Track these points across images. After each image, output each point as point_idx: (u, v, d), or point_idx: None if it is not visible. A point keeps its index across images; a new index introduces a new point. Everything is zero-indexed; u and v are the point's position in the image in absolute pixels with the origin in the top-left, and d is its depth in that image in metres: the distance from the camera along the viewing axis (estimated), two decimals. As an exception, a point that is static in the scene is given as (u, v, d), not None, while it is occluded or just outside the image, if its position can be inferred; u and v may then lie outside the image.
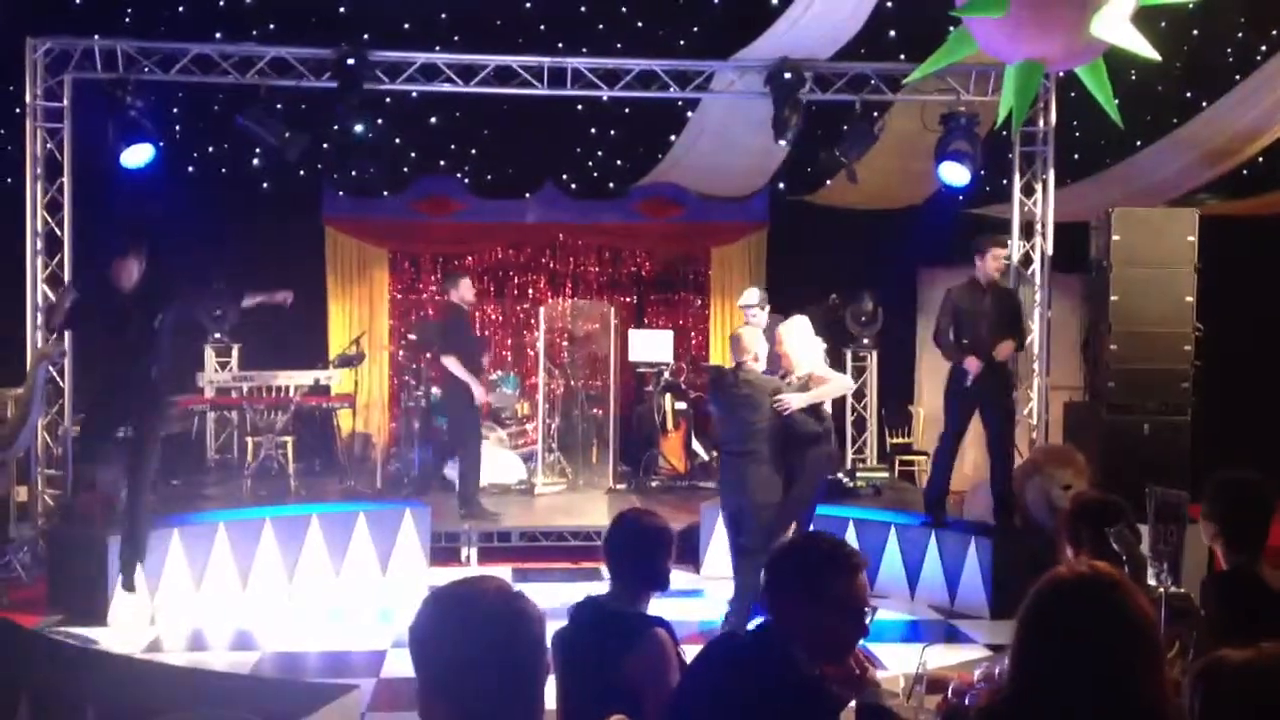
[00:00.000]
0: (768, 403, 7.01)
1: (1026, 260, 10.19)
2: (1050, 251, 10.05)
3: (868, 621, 2.96)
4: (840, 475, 10.64)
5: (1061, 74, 8.32)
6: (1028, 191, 10.17)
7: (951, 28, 4.26)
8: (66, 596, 7.88)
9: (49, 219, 9.37)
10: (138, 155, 9.08)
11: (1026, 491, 8.37)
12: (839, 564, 2.96)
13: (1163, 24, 7.97)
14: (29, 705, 4.85)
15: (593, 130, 11.95)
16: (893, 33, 9.63)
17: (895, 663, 6.96)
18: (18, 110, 9.45)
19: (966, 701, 3.17)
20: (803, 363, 7.31)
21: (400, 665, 7.00)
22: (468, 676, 1.90)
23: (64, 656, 5.96)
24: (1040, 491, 8.25)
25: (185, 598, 8.16)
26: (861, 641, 2.94)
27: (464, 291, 10.08)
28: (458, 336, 9.96)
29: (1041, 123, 9.98)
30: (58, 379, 9.25)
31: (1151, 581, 3.41)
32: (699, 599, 8.61)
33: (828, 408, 7.54)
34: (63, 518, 8.81)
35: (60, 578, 7.99)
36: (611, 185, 13.05)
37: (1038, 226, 10.11)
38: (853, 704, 2.95)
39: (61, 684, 5.27)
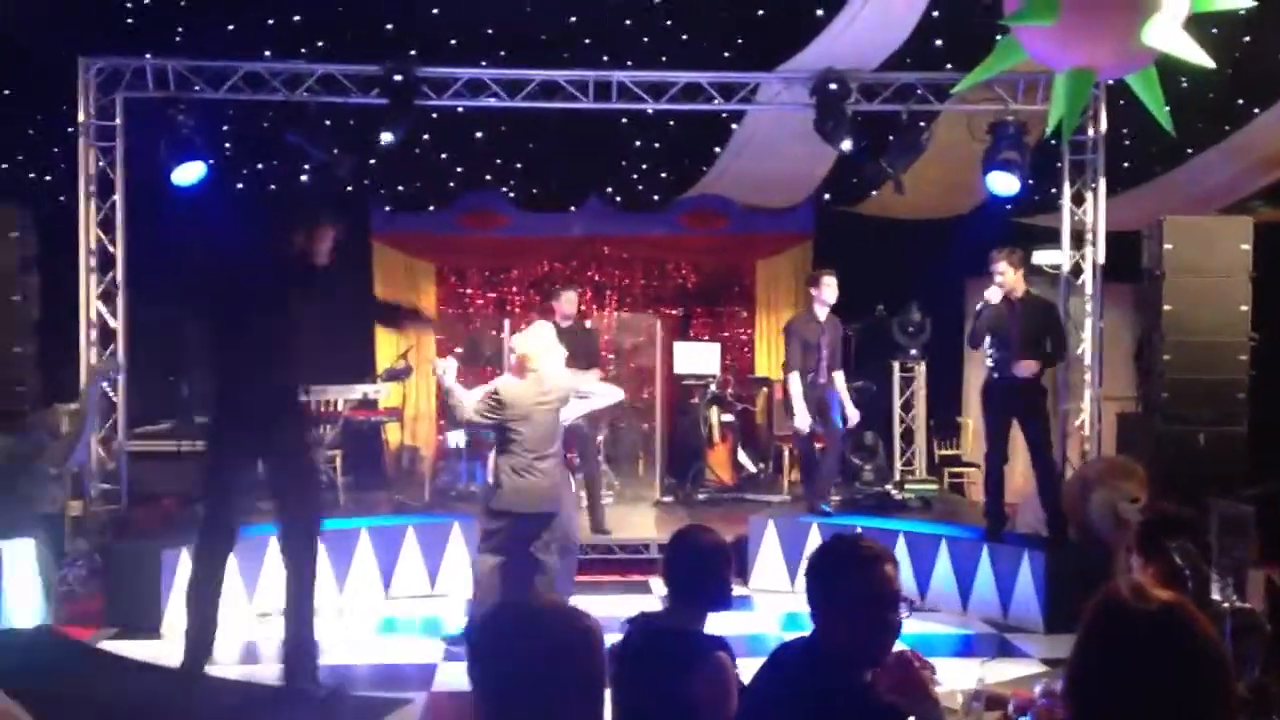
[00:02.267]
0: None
1: (1077, 270, 10.09)
2: (1102, 260, 9.95)
3: (903, 615, 2.94)
4: (889, 488, 10.59)
5: (1112, 81, 8.24)
6: (1078, 200, 10.07)
7: (999, 36, 4.23)
8: (122, 610, 7.94)
9: (102, 236, 9.49)
10: (189, 173, 9.20)
11: (1090, 504, 8.27)
12: (862, 557, 2.95)
13: (1214, 30, 7.87)
14: (86, 719, 4.92)
15: (637, 143, 11.96)
16: (939, 42, 9.56)
17: (949, 678, 6.89)
18: (71, 129, 9.59)
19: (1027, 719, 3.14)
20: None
21: (451, 678, 7.00)
22: (526, 690, 1.90)
23: (120, 670, 6.01)
24: (1105, 505, 8.15)
25: (237, 611, 8.21)
26: (917, 652, 2.91)
27: (560, 304, 10.10)
28: None
29: (1091, 130, 9.88)
30: (111, 394, 9.36)
31: (1216, 596, 3.36)
32: (748, 611, 8.58)
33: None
34: (117, 532, 8.91)
35: (116, 591, 8.06)
36: (656, 198, 13.06)
37: (1088, 235, 10.00)
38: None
39: (117, 697, 5.33)
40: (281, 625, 5.76)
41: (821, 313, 9.79)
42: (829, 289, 9.76)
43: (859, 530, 7.10)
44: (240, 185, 11.77)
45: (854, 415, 9.83)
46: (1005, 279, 8.54)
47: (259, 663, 7.59)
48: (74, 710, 4.89)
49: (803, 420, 9.50)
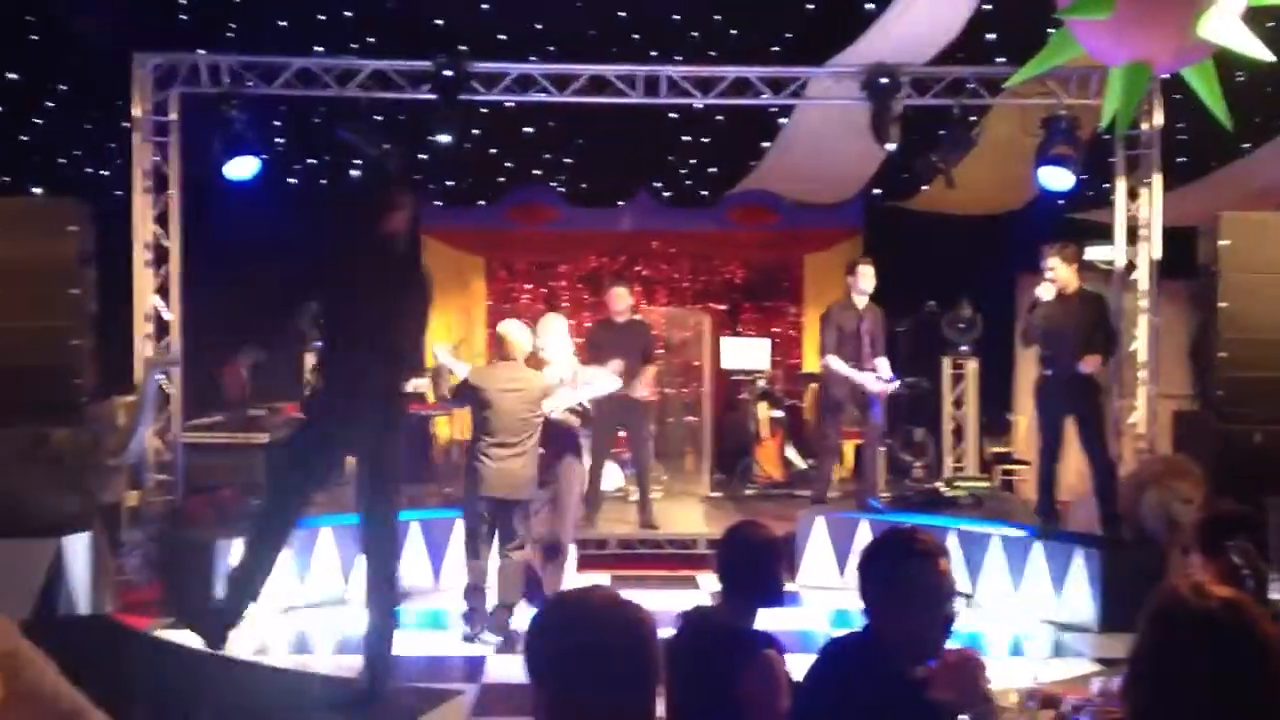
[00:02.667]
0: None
1: (1131, 266, 9.98)
2: (1157, 257, 9.83)
3: (954, 609, 2.93)
4: (939, 485, 10.53)
5: (1168, 75, 8.16)
6: (1132, 195, 9.95)
7: (1051, 30, 4.20)
8: (178, 599, 8.03)
9: (158, 230, 9.61)
10: (243, 168, 9.29)
11: (1143, 503, 8.19)
12: (913, 551, 2.94)
13: (1269, 24, 7.76)
14: (143, 709, 4.98)
15: (686, 138, 11.97)
16: (991, 35, 9.50)
17: (1002, 676, 6.84)
18: (126, 125, 9.72)
19: (1083, 719, 3.12)
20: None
21: (502, 670, 7.05)
22: (584, 684, 1.92)
23: (177, 659, 6.09)
24: (1159, 504, 8.06)
25: (290, 602, 8.30)
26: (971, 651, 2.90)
27: (610, 300, 10.18)
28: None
29: (1146, 125, 9.75)
30: (167, 386, 9.48)
31: (1275, 595, 3.32)
32: (796, 607, 8.57)
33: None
34: (173, 522, 9.02)
35: (172, 581, 8.17)
36: (704, 193, 13.06)
37: (1143, 231, 9.88)
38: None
39: (174, 687, 5.40)
40: (363, 616, 5.65)
41: (860, 301, 9.85)
42: (865, 277, 9.83)
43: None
44: (292, 180, 11.88)
45: (884, 385, 9.82)
46: (1058, 275, 8.47)
47: (310, 652, 7.68)
48: (132, 697, 4.96)
49: (866, 378, 9.63)
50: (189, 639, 5.79)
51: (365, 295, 5.46)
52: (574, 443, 8.10)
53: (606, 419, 10.02)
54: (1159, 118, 9.70)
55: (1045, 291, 8.44)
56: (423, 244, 13.24)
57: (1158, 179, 9.80)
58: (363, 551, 5.60)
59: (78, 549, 7.21)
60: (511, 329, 7.65)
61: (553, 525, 8.03)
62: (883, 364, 9.87)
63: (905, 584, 2.90)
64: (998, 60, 9.61)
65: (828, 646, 3.14)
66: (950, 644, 3.02)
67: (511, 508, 7.52)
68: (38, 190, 10.70)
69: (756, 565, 3.72)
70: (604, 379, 8.25)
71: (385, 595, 5.51)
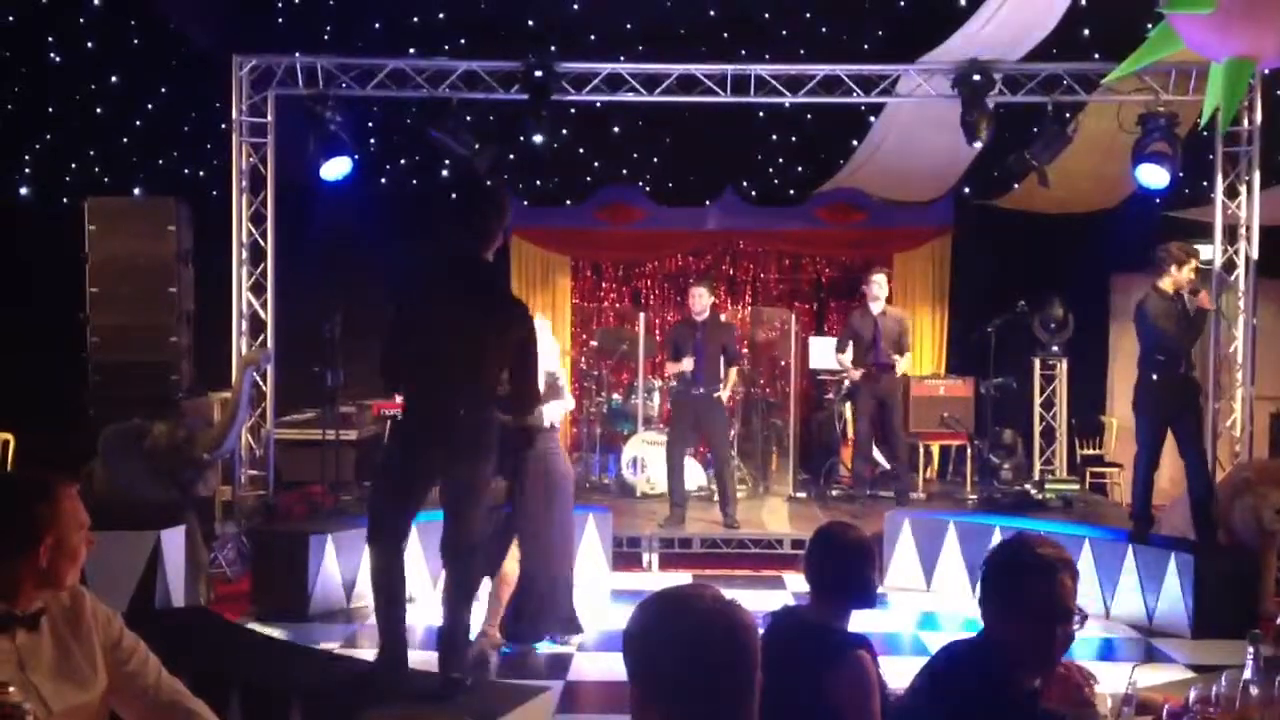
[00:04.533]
0: None
1: (1230, 265, 9.77)
2: (1255, 256, 9.61)
3: (1076, 627, 2.86)
4: (1028, 487, 10.40)
5: (1268, 71, 7.97)
6: (1231, 194, 9.75)
7: (1150, 24, 4.13)
8: (269, 592, 8.19)
9: (253, 230, 9.80)
10: (336, 168, 9.44)
11: (1234, 510, 8.02)
12: (1037, 566, 2.87)
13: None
14: (238, 698, 5.09)
15: (774, 136, 11.94)
16: (1086, 31, 9.35)
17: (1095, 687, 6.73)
18: (224, 125, 9.92)
19: (1182, 725, 3.06)
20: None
21: (587, 668, 7.08)
22: (684, 682, 1.92)
23: (271, 651, 6.21)
24: (1250, 511, 7.89)
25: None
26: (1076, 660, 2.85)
27: (690, 300, 10.21)
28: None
29: (1246, 122, 9.54)
30: (261, 383, 9.66)
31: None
32: (883, 610, 8.50)
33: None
34: (265, 516, 9.20)
35: (263, 574, 8.32)
36: (792, 191, 13.01)
37: (1242, 230, 9.68)
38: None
39: (268, 678, 5.51)
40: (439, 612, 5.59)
41: (875, 307, 10.51)
42: (876, 285, 10.62)
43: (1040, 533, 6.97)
44: (383, 180, 12.05)
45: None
46: (1183, 276, 8.27)
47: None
48: (226, 685, 5.07)
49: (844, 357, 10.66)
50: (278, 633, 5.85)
51: (450, 327, 5.22)
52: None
53: (684, 418, 10.03)
54: (1259, 114, 9.49)
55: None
56: (510, 243, 13.39)
57: (1257, 177, 9.59)
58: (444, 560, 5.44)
59: (175, 542, 7.37)
60: None
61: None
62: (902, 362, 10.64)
63: (1030, 597, 2.81)
64: (1093, 56, 9.45)
65: (944, 650, 3.09)
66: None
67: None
68: (138, 191, 10.97)
69: (847, 567, 3.70)
70: (557, 406, 7.55)
71: (460, 599, 5.45)
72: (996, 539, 6.27)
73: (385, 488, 5.51)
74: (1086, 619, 2.85)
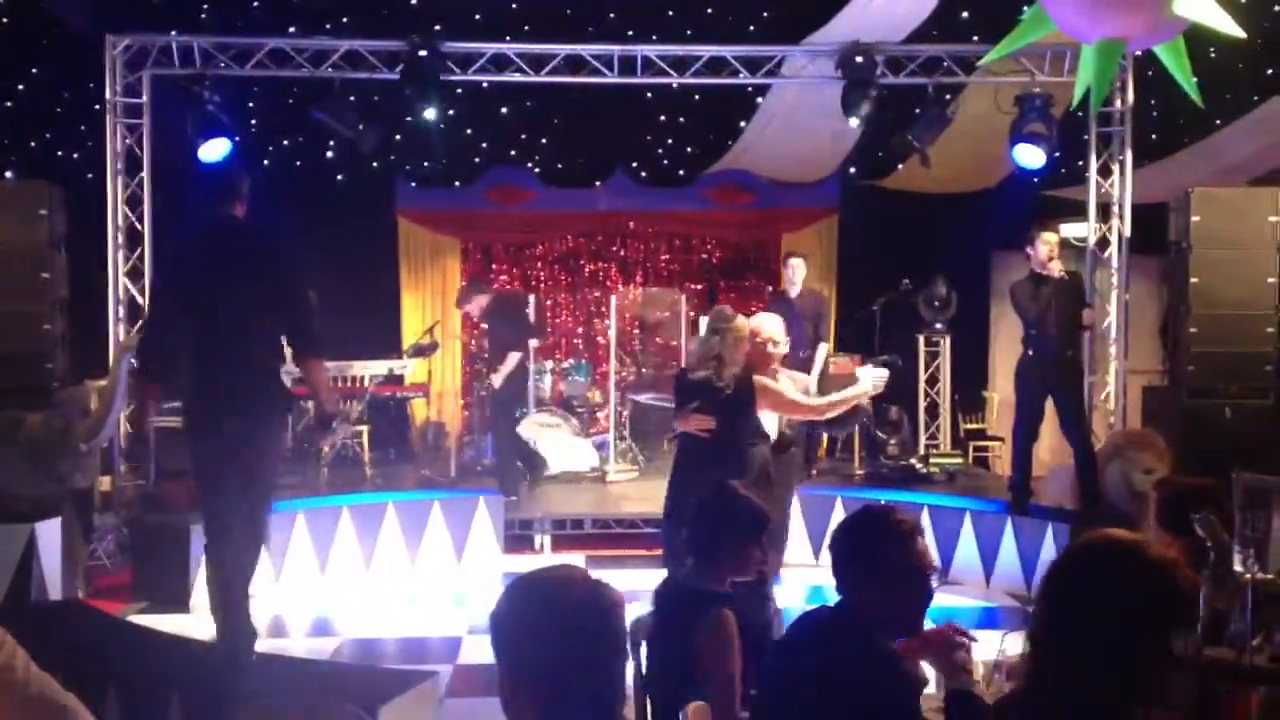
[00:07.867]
0: None
1: (1103, 242, 10.04)
2: (1128, 233, 9.88)
3: (931, 587, 2.97)
4: (914, 461, 10.58)
5: (1139, 52, 8.17)
6: (1104, 172, 10.01)
7: (1025, 7, 4.20)
8: (150, 584, 8.03)
9: (129, 213, 9.55)
10: (215, 150, 9.21)
11: (1106, 475, 8.26)
12: (891, 531, 2.97)
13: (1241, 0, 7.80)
14: (116, 692, 4.97)
15: (662, 117, 11.94)
16: (965, 14, 9.51)
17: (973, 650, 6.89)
18: (98, 107, 9.64)
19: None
20: None
21: (476, 651, 7.07)
22: (550, 663, 1.92)
23: (149, 644, 6.07)
24: (1121, 475, 8.13)
25: (265, 585, 8.27)
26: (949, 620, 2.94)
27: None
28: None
29: (1118, 102, 9.81)
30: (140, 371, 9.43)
31: (1238, 568, 3.36)
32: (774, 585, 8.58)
33: None
34: (145, 506, 8.99)
35: (144, 565, 8.15)
36: (681, 172, 13.04)
37: (1114, 208, 9.95)
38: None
39: (147, 671, 5.38)
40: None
41: (792, 291, 10.22)
42: (793, 269, 10.29)
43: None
44: (266, 162, 11.81)
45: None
46: (1054, 255, 8.40)
47: (287, 636, 7.68)
48: (104, 681, 4.95)
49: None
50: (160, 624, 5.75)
51: (205, 280, 5.21)
52: None
53: None
54: (1131, 95, 9.75)
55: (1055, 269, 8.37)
56: (398, 225, 13.24)
57: (1129, 156, 9.86)
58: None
59: (50, 534, 7.18)
60: None
61: None
62: (821, 350, 10.20)
63: (884, 561, 2.93)
64: (972, 39, 9.62)
65: (800, 620, 3.17)
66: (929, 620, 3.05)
67: None
68: (9, 174, 10.62)
69: (718, 529, 3.89)
70: None
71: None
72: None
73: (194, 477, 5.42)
74: (940, 574, 2.96)
